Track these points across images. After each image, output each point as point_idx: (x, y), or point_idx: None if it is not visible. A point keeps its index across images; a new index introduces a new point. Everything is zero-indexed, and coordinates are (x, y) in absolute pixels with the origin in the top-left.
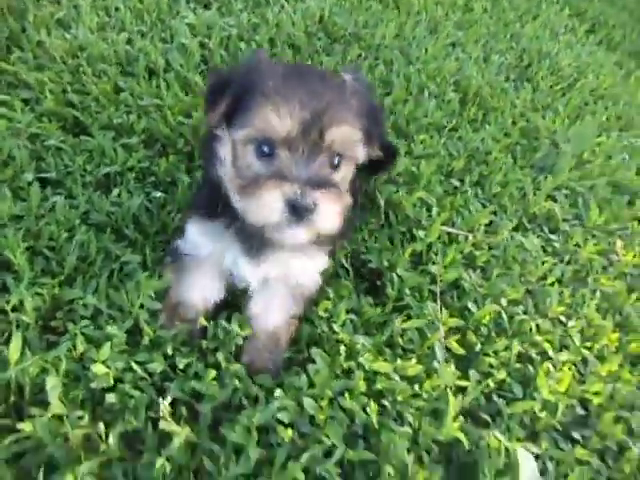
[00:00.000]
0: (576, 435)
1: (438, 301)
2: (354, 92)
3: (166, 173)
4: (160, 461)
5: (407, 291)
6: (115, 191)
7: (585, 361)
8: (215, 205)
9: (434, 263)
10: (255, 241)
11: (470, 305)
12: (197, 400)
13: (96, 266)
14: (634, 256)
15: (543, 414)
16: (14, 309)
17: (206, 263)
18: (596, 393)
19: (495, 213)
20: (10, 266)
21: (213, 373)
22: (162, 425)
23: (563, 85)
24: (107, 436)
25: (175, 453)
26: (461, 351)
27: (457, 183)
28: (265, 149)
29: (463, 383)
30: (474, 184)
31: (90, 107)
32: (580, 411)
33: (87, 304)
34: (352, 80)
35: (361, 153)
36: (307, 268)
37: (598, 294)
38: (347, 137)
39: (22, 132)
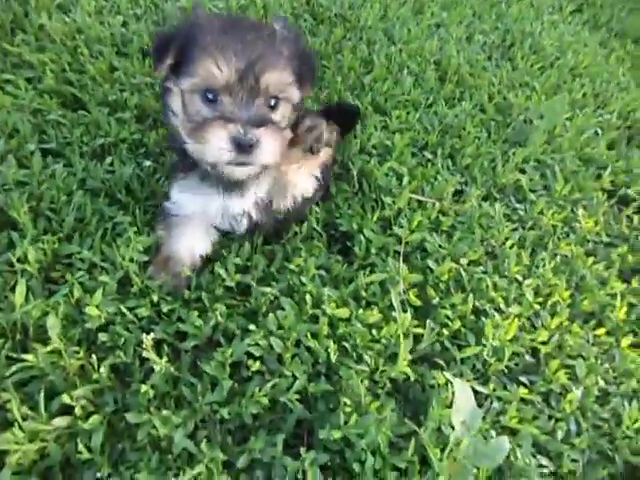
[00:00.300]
0: (524, 380)
1: (401, 259)
2: (284, 40)
3: (156, 144)
4: (144, 387)
5: (373, 251)
6: (109, 159)
7: (537, 315)
8: (184, 160)
9: (401, 227)
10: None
11: (431, 264)
12: (180, 341)
13: (92, 226)
14: (596, 223)
15: (492, 359)
16: (19, 260)
17: (191, 220)
18: (544, 343)
19: (465, 183)
20: (15, 225)
21: (196, 313)
22: (145, 354)
23: (543, 64)
24: (99, 367)
25: (158, 381)
26: (419, 303)
27: (430, 156)
28: (209, 96)
29: (419, 330)
30: (446, 157)
31: (87, 85)
32: (530, 360)
33: (83, 258)
34: (282, 29)
35: (295, 94)
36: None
37: (558, 258)
38: (280, 81)
39: (26, 108)
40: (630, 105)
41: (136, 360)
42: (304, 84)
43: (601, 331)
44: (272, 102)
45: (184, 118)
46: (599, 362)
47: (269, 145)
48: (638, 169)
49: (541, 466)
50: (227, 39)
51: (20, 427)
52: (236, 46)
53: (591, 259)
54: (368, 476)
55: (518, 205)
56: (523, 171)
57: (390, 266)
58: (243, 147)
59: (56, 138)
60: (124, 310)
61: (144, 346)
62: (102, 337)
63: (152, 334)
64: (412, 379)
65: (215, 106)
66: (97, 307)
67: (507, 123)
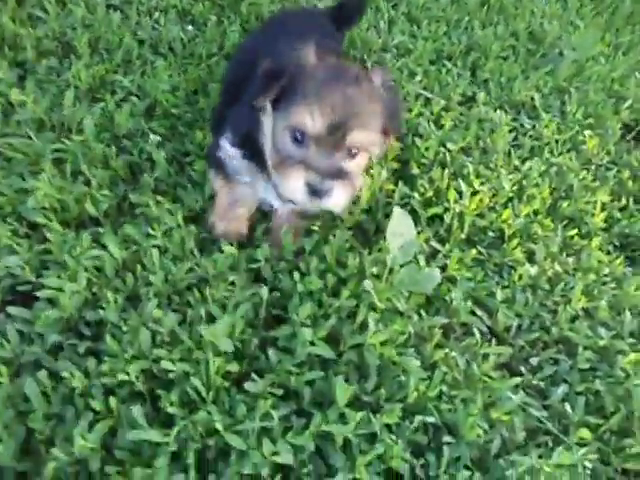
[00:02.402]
0: (481, 249)
1: None
2: (381, 98)
3: (200, 15)
4: (147, 178)
5: None
6: (156, 14)
7: (511, 200)
8: (248, 147)
9: None
10: None
11: (419, 143)
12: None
13: (135, 65)
14: (604, 150)
15: (454, 225)
16: (73, 77)
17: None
18: (509, 224)
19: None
20: (76, 52)
21: (200, 136)
22: (148, 149)
23: (599, 10)
24: (117, 159)
25: (159, 174)
26: (397, 166)
27: (449, 65)
28: (298, 136)
29: (391, 187)
30: (467, 69)
31: None
32: (495, 239)
33: (123, 86)
34: (380, 84)
35: (377, 149)
36: None
37: (553, 170)
38: (366, 140)
39: None
40: None
41: (148, 164)
42: (388, 137)
43: (574, 232)
44: (353, 151)
45: (272, 148)
46: (564, 255)
47: (340, 196)
48: None
49: (474, 314)
50: (327, 91)
51: (50, 182)
52: (333, 100)
53: (585, 173)
54: (313, 276)
55: (527, 120)
56: (541, 92)
57: None
58: (317, 193)
59: None
60: (145, 128)
61: (149, 142)
62: (125, 142)
63: (158, 136)
64: (371, 218)
65: (301, 147)
66: (125, 120)
67: (538, 51)
